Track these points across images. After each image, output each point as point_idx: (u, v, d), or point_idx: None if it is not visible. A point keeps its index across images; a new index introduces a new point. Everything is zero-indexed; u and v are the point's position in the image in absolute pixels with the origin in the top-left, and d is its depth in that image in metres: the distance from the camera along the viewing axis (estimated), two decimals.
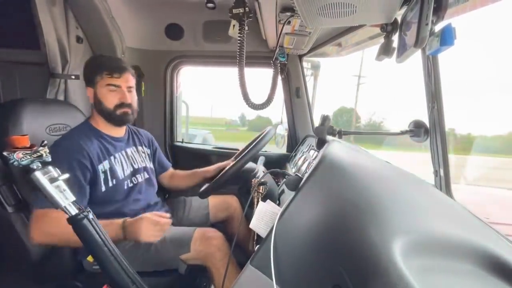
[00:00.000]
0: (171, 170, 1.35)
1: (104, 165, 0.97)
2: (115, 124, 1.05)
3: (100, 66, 0.99)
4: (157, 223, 0.83)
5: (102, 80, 0.98)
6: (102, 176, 0.96)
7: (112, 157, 1.01)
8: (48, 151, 0.63)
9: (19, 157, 0.59)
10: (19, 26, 1.45)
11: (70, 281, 0.97)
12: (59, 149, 0.90)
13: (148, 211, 1.09)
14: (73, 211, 0.64)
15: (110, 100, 1.00)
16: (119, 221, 0.84)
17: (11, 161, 0.59)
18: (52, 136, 1.04)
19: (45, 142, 0.64)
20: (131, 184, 1.05)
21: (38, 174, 0.61)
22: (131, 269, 0.72)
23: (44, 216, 0.80)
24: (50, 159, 0.63)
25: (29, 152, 0.60)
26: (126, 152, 1.08)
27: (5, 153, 0.59)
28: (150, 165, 1.18)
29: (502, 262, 0.41)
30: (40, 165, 0.62)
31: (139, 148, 1.17)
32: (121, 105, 1.01)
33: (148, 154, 1.20)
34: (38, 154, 0.61)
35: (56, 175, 0.63)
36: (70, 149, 0.91)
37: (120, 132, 1.10)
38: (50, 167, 0.62)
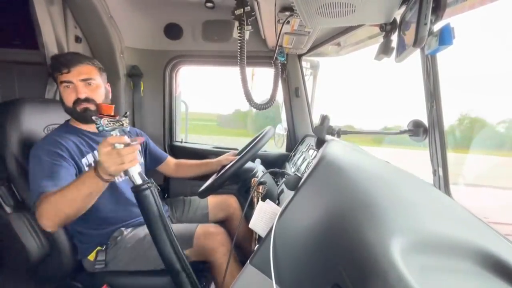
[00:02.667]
0: (173, 160, 1.36)
1: (88, 159, 0.97)
2: (80, 122, 1.01)
3: (53, 65, 0.96)
4: (111, 151, 0.66)
5: (58, 79, 0.96)
6: (87, 170, 0.94)
7: (95, 151, 1.00)
8: (128, 121, 0.70)
9: (104, 123, 0.65)
10: (17, 26, 1.44)
11: (69, 281, 0.97)
12: (37, 149, 0.89)
13: None
14: (139, 181, 0.69)
15: (67, 98, 0.96)
16: (90, 170, 0.74)
17: (97, 126, 0.66)
18: None
19: (128, 113, 0.72)
20: (121, 179, 1.04)
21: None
22: (179, 247, 0.74)
23: (43, 202, 0.78)
24: (128, 129, 0.72)
25: (113, 120, 0.67)
26: None
27: (93, 117, 0.66)
28: (140, 159, 1.18)
29: (501, 261, 0.41)
30: (118, 133, 0.68)
31: None
32: (77, 101, 0.95)
33: (138, 150, 1.20)
34: (120, 123, 0.68)
35: None
36: (47, 146, 0.89)
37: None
38: (126, 137, 0.68)
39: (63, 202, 0.75)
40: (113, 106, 0.70)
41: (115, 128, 0.67)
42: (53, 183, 0.81)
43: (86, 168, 0.95)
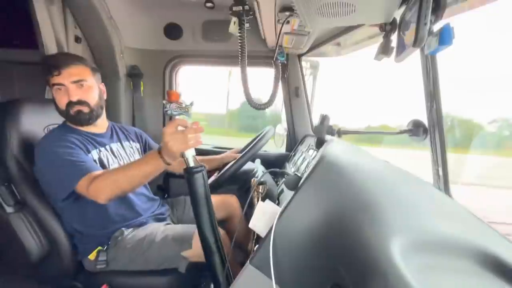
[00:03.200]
0: None
1: (93, 155, 0.97)
2: (75, 125, 1.00)
3: (44, 67, 0.94)
4: (175, 132, 0.72)
5: (49, 81, 0.94)
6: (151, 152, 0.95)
7: (97, 150, 1.00)
8: (192, 109, 0.79)
9: (173, 108, 0.76)
10: (17, 26, 1.44)
11: (70, 281, 0.97)
12: (46, 145, 0.89)
13: (147, 205, 1.10)
14: (192, 163, 0.74)
15: (60, 101, 0.95)
16: (154, 151, 0.80)
17: (166, 109, 0.76)
18: None
19: (193, 102, 0.80)
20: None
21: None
22: (218, 231, 0.78)
23: (90, 180, 0.82)
24: (191, 116, 0.79)
25: (180, 106, 0.77)
26: (111, 148, 1.06)
27: (164, 102, 0.76)
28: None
29: (501, 261, 0.41)
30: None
31: (125, 143, 1.15)
32: (70, 103, 0.94)
33: (137, 149, 1.20)
34: (186, 109, 0.78)
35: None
36: (55, 141, 0.90)
37: (98, 129, 1.07)
38: (188, 122, 0.76)
39: (123, 179, 0.81)
40: (180, 93, 0.78)
41: (181, 113, 0.76)
42: (91, 164, 0.87)
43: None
